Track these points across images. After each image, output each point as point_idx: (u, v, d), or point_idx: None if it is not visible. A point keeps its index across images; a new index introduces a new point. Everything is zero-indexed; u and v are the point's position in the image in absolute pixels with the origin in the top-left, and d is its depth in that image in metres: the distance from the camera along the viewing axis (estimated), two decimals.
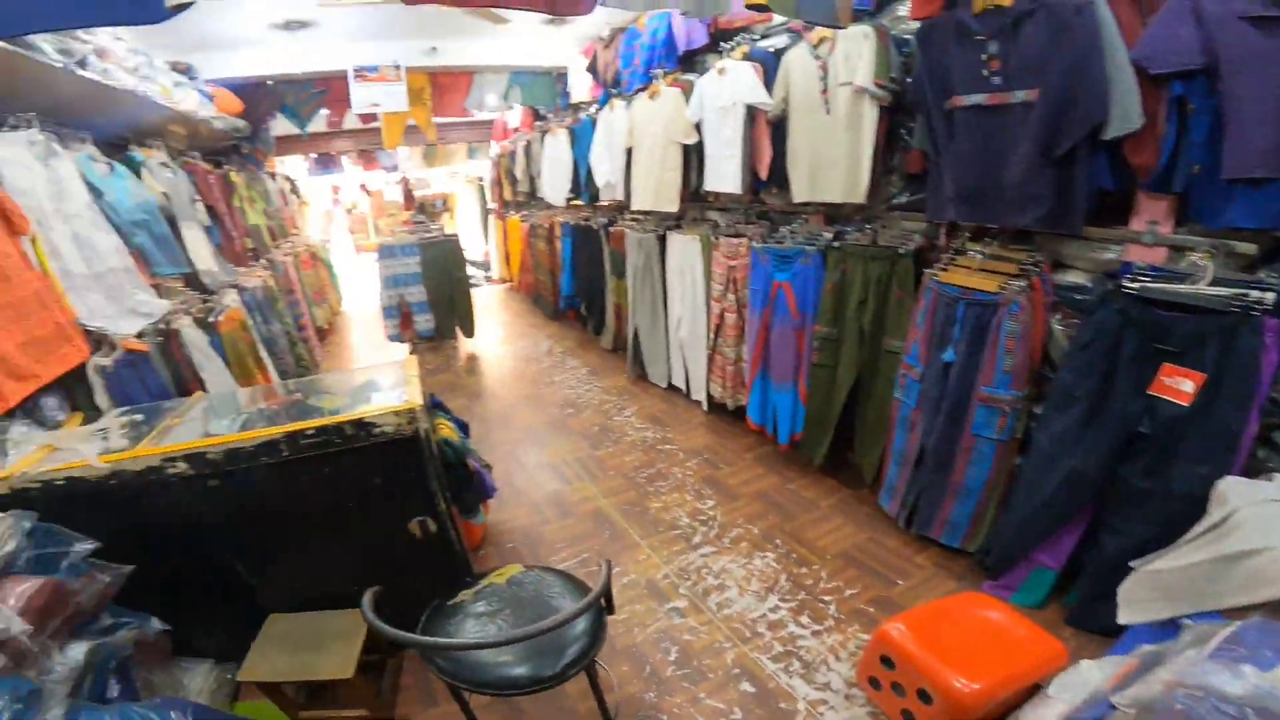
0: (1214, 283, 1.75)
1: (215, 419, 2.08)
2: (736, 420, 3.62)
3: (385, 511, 1.87)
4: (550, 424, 3.97)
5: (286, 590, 1.90)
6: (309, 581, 1.92)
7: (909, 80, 2.31)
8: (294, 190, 7.59)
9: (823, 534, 2.60)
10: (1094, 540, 1.93)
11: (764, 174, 2.99)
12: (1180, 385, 1.74)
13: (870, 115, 2.43)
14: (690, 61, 3.73)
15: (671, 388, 4.22)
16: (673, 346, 4.03)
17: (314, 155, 8.63)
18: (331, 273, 7.89)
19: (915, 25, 2.31)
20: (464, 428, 2.34)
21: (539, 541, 2.71)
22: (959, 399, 2.19)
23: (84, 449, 1.68)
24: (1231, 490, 1.55)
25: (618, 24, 4.31)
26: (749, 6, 1.88)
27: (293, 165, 8.53)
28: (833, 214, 3.02)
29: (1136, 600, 1.60)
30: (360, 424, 1.75)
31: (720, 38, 3.30)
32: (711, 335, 3.56)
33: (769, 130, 2.92)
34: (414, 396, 1.84)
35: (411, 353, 5.67)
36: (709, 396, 3.77)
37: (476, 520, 2.15)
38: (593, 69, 4.74)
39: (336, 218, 12.34)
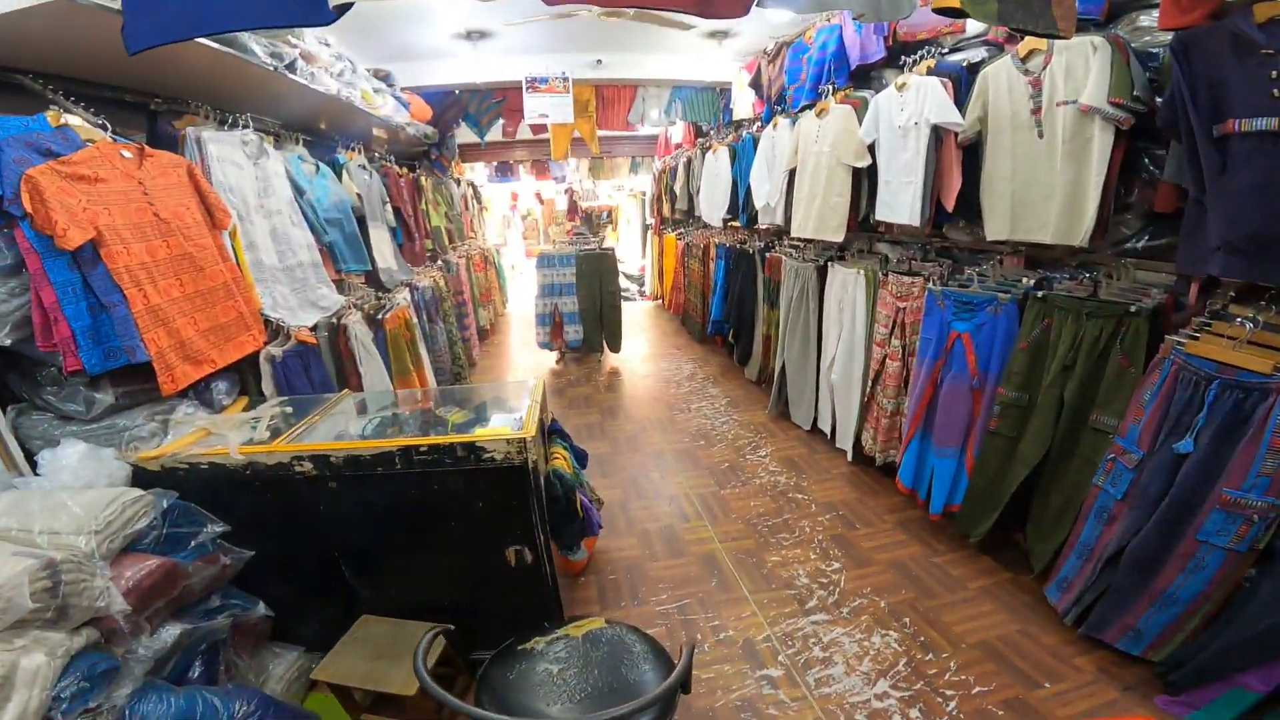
0: None
1: (353, 420, 2.17)
2: (883, 478, 3.23)
3: (485, 534, 1.85)
4: (680, 453, 3.81)
5: (383, 593, 1.94)
6: (406, 588, 1.95)
7: (1159, 100, 1.85)
8: (475, 196, 8.21)
9: (963, 619, 2.23)
10: None
11: (950, 205, 2.58)
12: None
13: (1102, 140, 1.99)
14: (864, 77, 3.39)
15: (815, 431, 3.88)
16: (822, 387, 3.69)
17: (495, 163, 9.33)
18: (500, 275, 8.42)
19: (1162, 37, 1.91)
20: (581, 458, 2.24)
21: (642, 578, 2.57)
22: (1189, 498, 1.74)
23: (232, 437, 1.80)
24: None
25: (783, 38, 4.10)
26: (938, 10, 1.56)
27: (474, 172, 9.26)
28: (1037, 257, 2.53)
29: None
30: (471, 447, 1.71)
31: (900, 50, 2.95)
32: (869, 382, 3.17)
33: (959, 155, 2.51)
34: (529, 426, 1.75)
35: (559, 361, 5.84)
36: (856, 446, 3.39)
37: (575, 556, 2.03)
38: (756, 84, 4.56)
39: (513, 223, 13.28)
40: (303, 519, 1.81)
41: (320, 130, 3.61)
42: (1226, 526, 1.66)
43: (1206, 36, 1.68)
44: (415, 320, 3.66)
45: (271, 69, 2.46)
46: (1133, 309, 1.96)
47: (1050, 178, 2.15)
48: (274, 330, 2.46)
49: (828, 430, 3.70)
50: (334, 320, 2.83)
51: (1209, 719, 1.72)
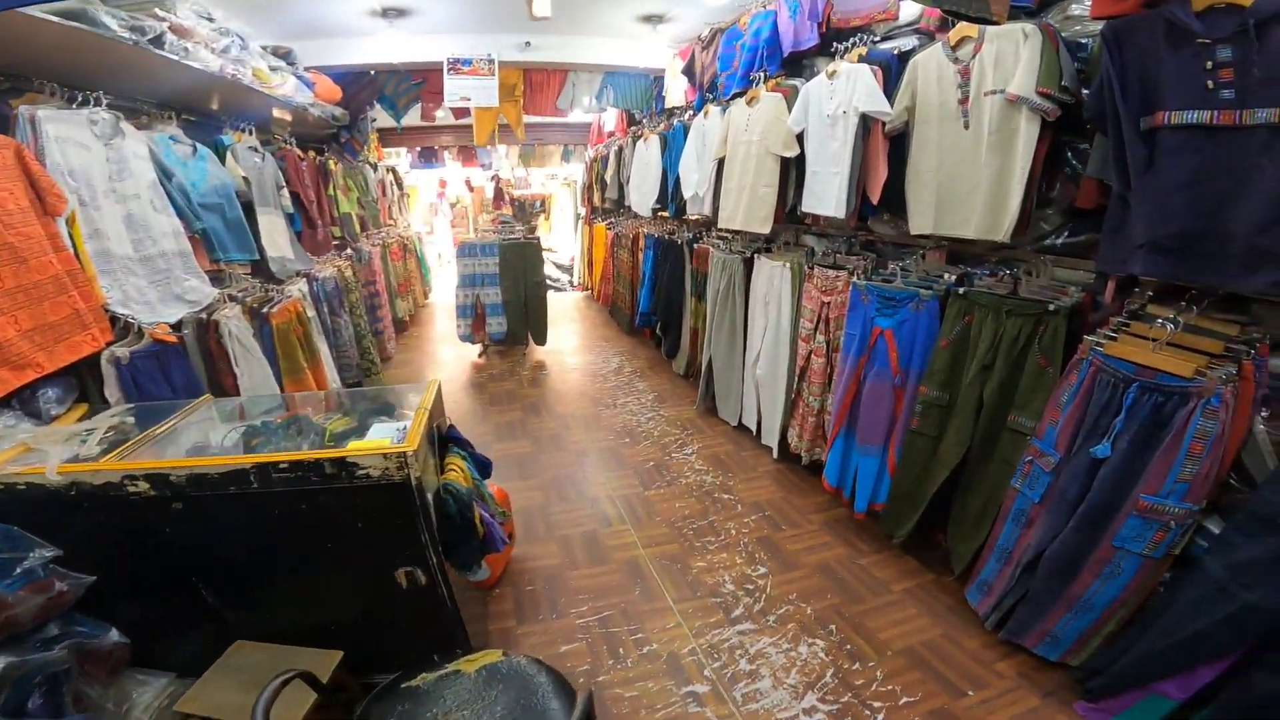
0: None
1: (216, 429, 1.89)
2: (809, 475, 3.18)
3: (369, 555, 1.65)
4: (604, 452, 3.65)
5: (257, 618, 1.72)
6: (284, 612, 1.74)
7: (1085, 92, 1.81)
8: (396, 182, 7.75)
9: (889, 624, 2.19)
10: (1241, 678, 1.50)
11: (875, 197, 2.51)
12: None
13: (1028, 132, 1.93)
14: (796, 65, 3.31)
15: (741, 427, 3.80)
16: (747, 383, 3.61)
17: (418, 149, 8.87)
18: (423, 264, 8.00)
19: (1092, 27, 1.86)
20: (484, 467, 2.03)
21: (562, 588, 2.42)
22: (1106, 504, 1.70)
23: (53, 454, 1.50)
24: None
25: (719, 24, 3.98)
26: None
27: (399, 158, 8.76)
28: (958, 252, 2.49)
29: None
30: (342, 464, 1.48)
31: (833, 38, 2.87)
32: (794, 378, 3.10)
33: (886, 145, 2.43)
34: (413, 438, 1.53)
35: (481, 355, 5.56)
36: (782, 444, 3.32)
37: (476, 576, 1.84)
38: (689, 71, 4.44)
39: (440, 211, 12.72)
40: (149, 542, 1.55)
41: (211, 110, 3.28)
42: (1143, 533, 1.63)
43: (1140, 25, 1.62)
44: (312, 314, 3.33)
45: (131, 43, 2.18)
46: (1051, 308, 1.92)
47: (975, 170, 2.09)
48: (124, 328, 2.13)
49: (753, 427, 3.62)
50: (204, 316, 2.50)
51: None
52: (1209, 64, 1.49)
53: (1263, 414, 1.53)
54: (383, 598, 1.70)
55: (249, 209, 3.16)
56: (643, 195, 5.08)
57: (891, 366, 2.43)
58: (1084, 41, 1.91)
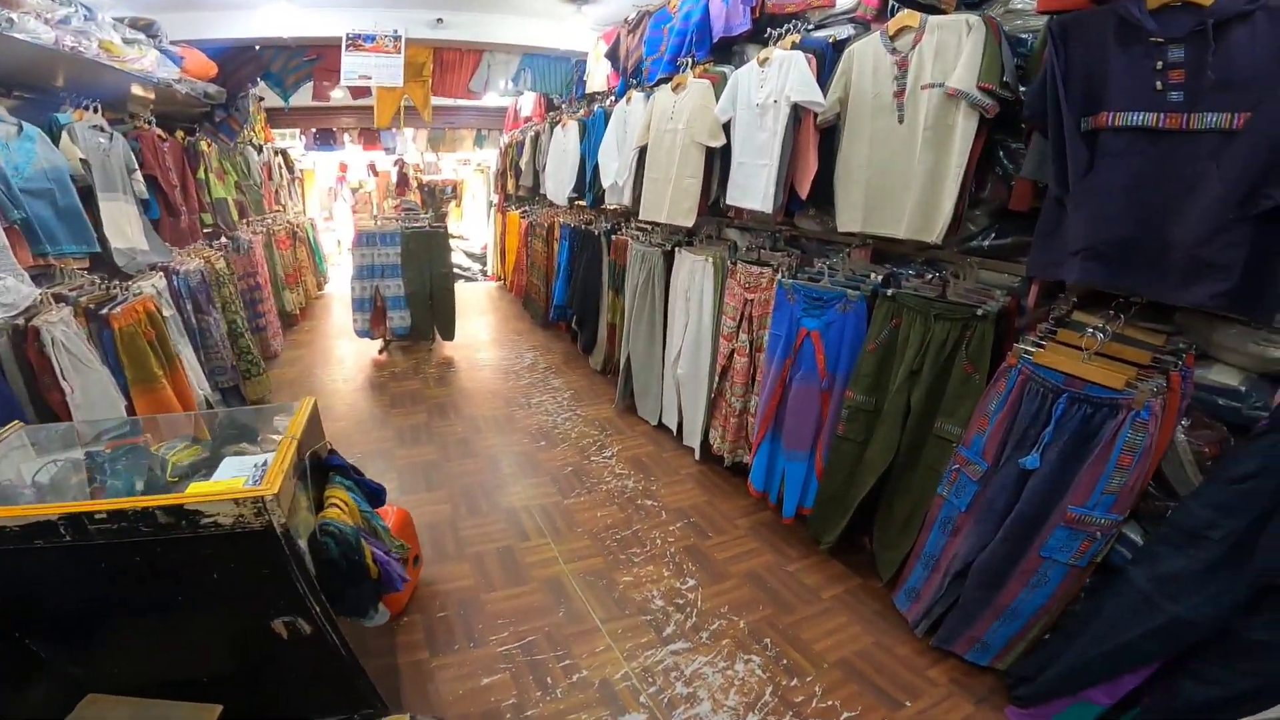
0: None
1: (28, 462, 1.52)
2: (733, 477, 3.09)
3: (235, 607, 1.39)
4: (519, 457, 3.41)
5: (110, 670, 1.45)
6: (142, 664, 1.48)
7: (1024, 89, 1.77)
8: (287, 165, 7.06)
9: (822, 634, 2.15)
10: (1166, 682, 1.54)
11: (804, 191, 2.41)
12: None
13: (965, 129, 1.86)
14: (727, 51, 3.18)
15: (661, 427, 3.67)
16: (668, 381, 3.47)
17: (313, 131, 8.14)
18: (316, 253, 7.35)
19: (1034, 22, 1.83)
20: (376, 495, 1.76)
21: (478, 613, 2.21)
22: (1034, 515, 1.68)
23: None
24: None
25: (647, 6, 3.79)
26: None
27: (289, 140, 8.00)
28: (884, 250, 2.44)
29: None
30: (180, 512, 1.19)
31: (767, 23, 2.74)
32: (716, 378, 2.99)
33: (817, 138, 2.33)
34: (273, 478, 1.25)
35: (382, 351, 5.14)
36: (704, 445, 3.21)
37: (372, 621, 1.58)
38: (613, 55, 4.23)
39: (340, 196, 11.82)
40: None
41: (55, 87, 2.82)
42: (1069, 543, 1.62)
43: (1090, 20, 1.57)
44: (170, 312, 2.88)
45: None
46: (979, 312, 1.87)
47: (908, 167, 2.02)
48: None
49: (674, 427, 3.50)
50: (21, 322, 2.06)
51: None
52: (1159, 64, 1.45)
53: (1184, 423, 1.53)
54: (263, 648, 1.44)
55: (90, 195, 2.71)
56: (559, 183, 4.85)
57: (819, 369, 2.35)
58: (1024, 37, 1.87)
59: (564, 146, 4.75)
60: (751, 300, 2.72)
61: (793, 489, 2.55)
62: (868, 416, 2.21)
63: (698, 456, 3.29)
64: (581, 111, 4.71)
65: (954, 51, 1.86)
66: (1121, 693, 1.58)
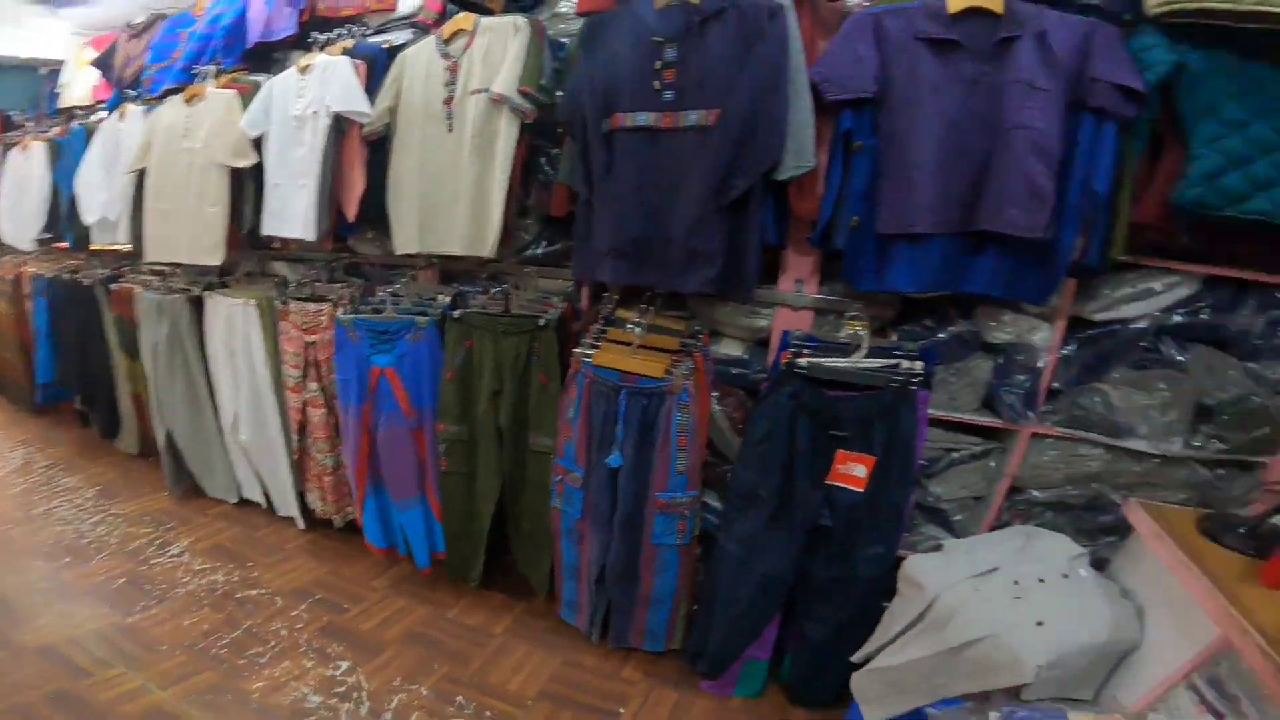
0: (869, 353, 1.60)
1: None
2: (351, 537, 2.63)
3: None
4: (34, 585, 2.38)
5: None
6: None
7: (560, 94, 1.78)
8: None
9: (510, 672, 2.00)
10: (795, 625, 1.78)
11: (351, 212, 2.12)
12: (853, 471, 1.60)
13: (508, 135, 1.81)
14: (266, 59, 2.62)
15: (245, 503, 2.96)
16: (233, 451, 2.77)
17: None
18: None
19: (576, 25, 1.88)
20: None
21: None
22: (633, 509, 1.77)
23: None
24: (921, 572, 1.54)
25: (163, 8, 3.00)
26: None
27: None
28: (449, 269, 2.33)
29: (874, 698, 1.52)
30: None
31: (316, 27, 2.35)
32: (294, 436, 2.50)
33: (364, 152, 2.08)
34: None
35: None
36: (304, 511, 2.70)
37: None
38: (105, 63, 3.28)
39: None
40: None
41: None
42: (669, 526, 1.74)
43: (610, 21, 1.59)
44: None
45: None
46: (541, 322, 1.87)
47: (457, 177, 1.90)
48: None
49: (261, 500, 2.86)
50: None
51: (746, 690, 1.86)
52: (658, 64, 1.50)
53: (715, 395, 1.76)
54: None
55: None
56: (20, 223, 3.51)
57: (403, 408, 2.09)
58: (564, 40, 1.88)
59: (25, 175, 3.45)
60: (314, 342, 2.29)
61: (417, 537, 2.29)
62: (465, 446, 2.06)
63: (302, 525, 2.74)
64: (56, 130, 3.51)
65: (500, 55, 1.80)
66: (769, 644, 1.77)
